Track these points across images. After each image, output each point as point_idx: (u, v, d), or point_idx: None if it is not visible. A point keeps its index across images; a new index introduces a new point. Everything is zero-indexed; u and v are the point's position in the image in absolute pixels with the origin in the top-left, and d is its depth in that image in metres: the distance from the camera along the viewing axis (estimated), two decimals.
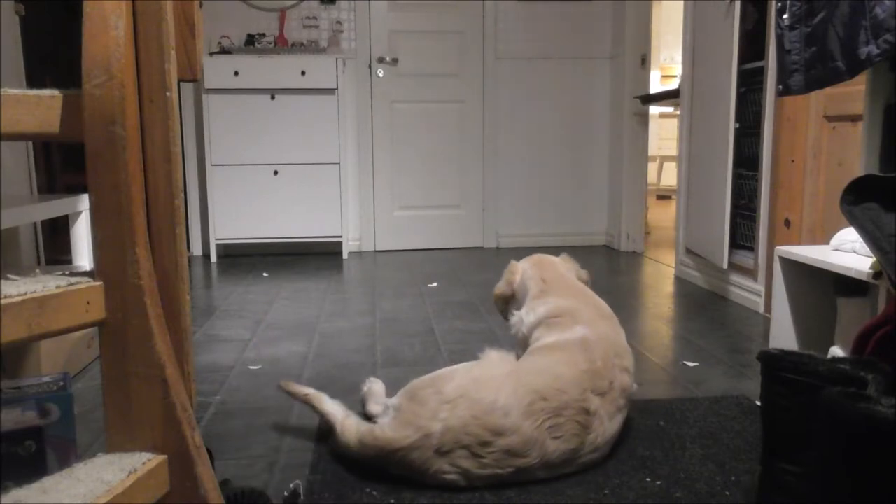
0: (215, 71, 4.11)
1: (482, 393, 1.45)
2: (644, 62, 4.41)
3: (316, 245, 4.49)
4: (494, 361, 1.59)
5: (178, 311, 1.06)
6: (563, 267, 1.96)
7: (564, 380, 1.50)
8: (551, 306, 1.76)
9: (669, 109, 7.07)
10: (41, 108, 0.98)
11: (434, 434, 1.42)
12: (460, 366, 1.61)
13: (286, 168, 4.25)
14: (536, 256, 2.00)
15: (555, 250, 4.32)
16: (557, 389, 1.48)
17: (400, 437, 1.44)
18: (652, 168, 6.70)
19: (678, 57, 4.03)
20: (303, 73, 4.15)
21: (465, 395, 1.45)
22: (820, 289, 2.17)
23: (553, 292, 1.82)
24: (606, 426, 1.53)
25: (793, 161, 2.70)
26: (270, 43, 4.38)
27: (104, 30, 0.96)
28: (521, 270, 1.95)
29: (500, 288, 1.95)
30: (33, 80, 3.46)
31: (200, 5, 1.14)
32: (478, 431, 1.41)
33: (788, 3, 2.00)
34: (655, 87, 4.96)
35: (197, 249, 4.52)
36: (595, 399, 1.52)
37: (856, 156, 2.20)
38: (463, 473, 1.42)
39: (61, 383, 1.33)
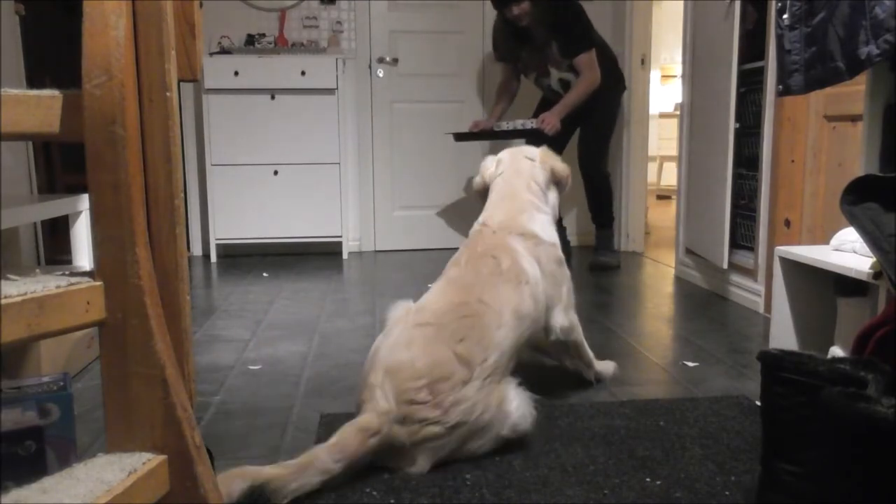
0: (215, 71, 4.11)
1: (397, 359, 1.56)
2: (644, 62, 4.41)
3: (316, 245, 4.49)
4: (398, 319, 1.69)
5: (178, 311, 1.06)
6: (539, 169, 2.00)
7: (441, 303, 1.67)
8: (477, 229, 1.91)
9: (669, 109, 7.08)
10: (41, 108, 0.98)
11: (388, 411, 1.50)
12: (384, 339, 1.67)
13: (286, 168, 4.24)
14: (513, 160, 2.02)
15: None
16: (436, 312, 1.64)
17: (369, 422, 1.50)
18: (652, 168, 6.70)
19: (678, 57, 4.02)
20: (303, 73, 4.15)
21: (387, 373, 1.54)
22: (820, 289, 2.17)
23: (493, 213, 1.92)
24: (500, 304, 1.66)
25: (793, 161, 2.70)
26: (270, 43, 4.38)
27: (104, 30, 0.96)
28: (496, 164, 2.03)
29: (476, 184, 2.07)
30: (33, 80, 3.46)
31: (200, 5, 1.14)
32: (407, 387, 1.51)
33: (788, 3, 2.00)
34: (655, 87, 4.95)
35: (197, 249, 4.52)
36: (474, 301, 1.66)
37: (856, 156, 2.20)
38: (435, 422, 1.50)
39: (61, 383, 1.33)
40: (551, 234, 1.95)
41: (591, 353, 2.05)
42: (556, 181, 2.05)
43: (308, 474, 1.39)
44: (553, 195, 2.05)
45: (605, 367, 2.13)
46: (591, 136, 3.92)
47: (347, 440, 1.46)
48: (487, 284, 1.70)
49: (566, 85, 3.83)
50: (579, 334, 1.98)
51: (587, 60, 3.71)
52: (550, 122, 3.64)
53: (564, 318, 1.90)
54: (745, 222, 3.06)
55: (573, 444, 1.66)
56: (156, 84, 1.01)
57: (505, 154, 2.05)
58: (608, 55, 3.93)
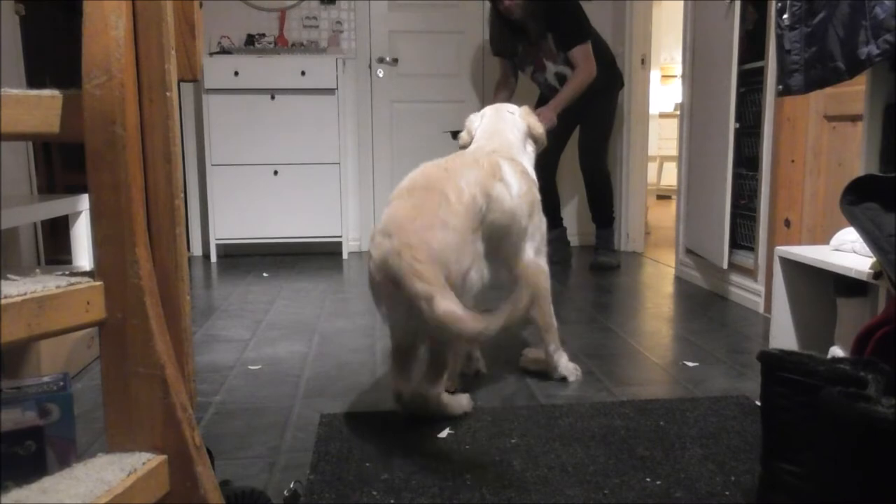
0: (215, 71, 4.11)
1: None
2: (644, 62, 4.41)
3: (316, 245, 4.49)
4: None
5: (178, 311, 1.06)
6: (521, 121, 2.18)
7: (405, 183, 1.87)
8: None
9: (669, 109, 7.09)
10: (41, 108, 0.98)
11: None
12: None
13: (286, 168, 4.24)
14: (496, 111, 2.22)
15: None
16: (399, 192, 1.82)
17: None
18: (652, 168, 6.70)
19: (678, 57, 4.02)
20: (303, 73, 4.15)
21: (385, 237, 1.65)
22: (820, 289, 2.17)
23: (483, 144, 2.10)
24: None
25: (793, 161, 2.70)
26: (270, 43, 4.38)
27: (104, 30, 0.96)
28: (480, 118, 2.24)
29: (463, 139, 2.25)
30: (33, 80, 3.46)
31: (200, 5, 1.14)
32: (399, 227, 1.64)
33: (788, 3, 2.00)
34: (655, 86, 4.95)
35: (197, 249, 4.52)
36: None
37: (856, 156, 2.20)
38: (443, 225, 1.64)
39: (61, 383, 1.33)
40: (534, 174, 2.07)
41: (554, 322, 2.09)
42: (532, 136, 2.18)
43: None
44: (530, 148, 2.19)
45: (566, 364, 2.12)
46: (591, 135, 3.91)
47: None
48: (456, 170, 1.82)
49: (562, 79, 3.80)
50: (546, 282, 2.04)
51: (583, 52, 3.66)
52: (547, 116, 3.59)
53: (534, 255, 1.99)
54: (745, 222, 3.06)
55: (573, 444, 1.66)
56: (156, 84, 1.01)
57: (488, 109, 2.24)
58: (606, 53, 3.90)
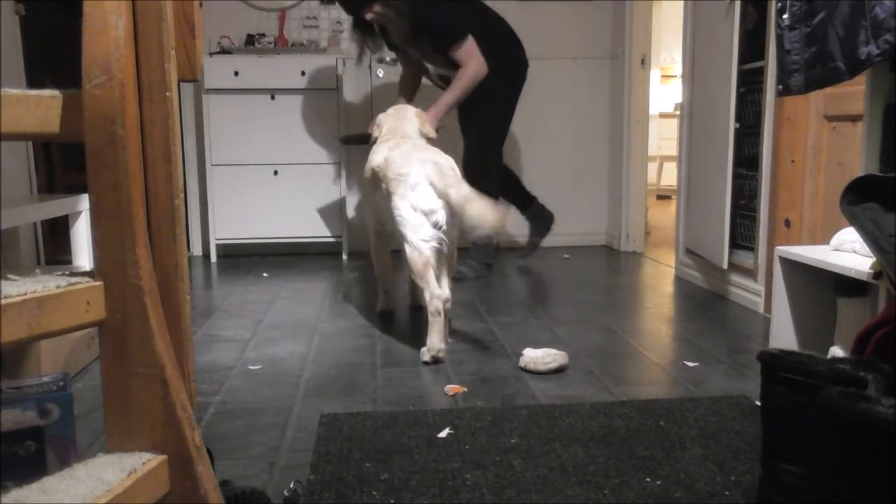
0: (215, 71, 4.11)
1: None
2: (644, 62, 4.41)
3: (316, 245, 4.49)
4: None
5: (178, 311, 1.06)
6: (414, 121, 2.78)
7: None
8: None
9: (669, 109, 7.09)
10: (41, 108, 0.98)
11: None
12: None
13: (286, 168, 4.24)
14: (395, 109, 2.88)
15: (555, 250, 4.31)
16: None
17: None
18: (652, 168, 6.70)
19: (678, 57, 4.02)
20: (303, 73, 4.15)
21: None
22: (820, 289, 2.17)
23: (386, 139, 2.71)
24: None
25: (793, 161, 2.70)
26: (270, 43, 4.38)
27: (104, 30, 0.96)
28: (387, 117, 2.84)
29: (373, 133, 2.83)
30: (33, 80, 3.46)
31: (200, 5, 1.14)
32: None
33: (788, 3, 2.00)
34: (655, 86, 4.95)
35: (197, 249, 4.52)
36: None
37: (856, 156, 2.20)
38: None
39: (61, 383, 1.33)
40: None
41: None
42: (423, 134, 2.76)
43: None
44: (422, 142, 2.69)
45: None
46: (479, 131, 3.53)
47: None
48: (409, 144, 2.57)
49: (445, 79, 3.48)
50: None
51: (465, 52, 3.26)
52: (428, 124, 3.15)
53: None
54: (745, 222, 3.06)
55: (573, 444, 1.66)
56: (156, 84, 1.01)
57: (391, 109, 2.87)
58: (499, 31, 3.54)
